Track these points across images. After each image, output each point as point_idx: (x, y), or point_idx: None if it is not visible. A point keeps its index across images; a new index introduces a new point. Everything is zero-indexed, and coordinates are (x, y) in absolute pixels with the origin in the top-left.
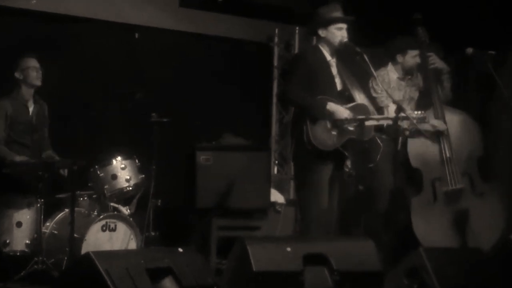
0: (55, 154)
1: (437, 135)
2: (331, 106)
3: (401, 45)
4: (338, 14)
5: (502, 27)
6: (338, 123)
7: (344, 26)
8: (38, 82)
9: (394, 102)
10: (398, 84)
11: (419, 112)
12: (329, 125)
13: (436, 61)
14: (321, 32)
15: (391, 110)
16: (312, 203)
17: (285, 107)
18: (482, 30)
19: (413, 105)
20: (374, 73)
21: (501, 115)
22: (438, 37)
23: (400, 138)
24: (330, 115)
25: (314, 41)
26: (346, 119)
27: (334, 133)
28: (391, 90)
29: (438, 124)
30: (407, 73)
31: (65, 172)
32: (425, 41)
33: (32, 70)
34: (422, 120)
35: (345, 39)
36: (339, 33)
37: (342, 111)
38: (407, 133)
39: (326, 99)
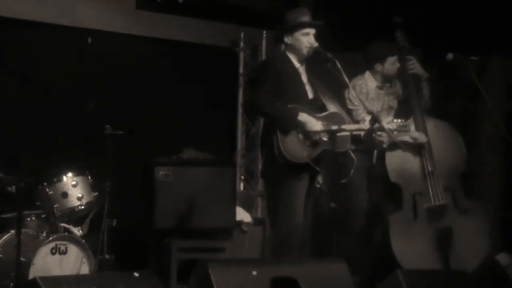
0: None
1: (417, 148)
2: (303, 116)
3: (379, 52)
4: (305, 18)
5: (485, 32)
6: (310, 134)
7: (311, 31)
8: None
9: (369, 112)
10: (377, 94)
11: (400, 120)
12: (301, 136)
13: (415, 66)
14: (287, 39)
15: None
16: (286, 222)
17: (251, 118)
18: (464, 35)
19: (392, 114)
20: (347, 82)
21: (485, 126)
22: (419, 42)
23: (376, 151)
24: (302, 126)
25: (283, 48)
26: (319, 131)
27: (307, 144)
28: (370, 101)
29: (418, 136)
30: (386, 81)
31: (13, 189)
32: (404, 46)
33: None
34: (403, 128)
35: (315, 45)
36: (305, 39)
37: (314, 123)
38: (383, 145)
39: (297, 108)
